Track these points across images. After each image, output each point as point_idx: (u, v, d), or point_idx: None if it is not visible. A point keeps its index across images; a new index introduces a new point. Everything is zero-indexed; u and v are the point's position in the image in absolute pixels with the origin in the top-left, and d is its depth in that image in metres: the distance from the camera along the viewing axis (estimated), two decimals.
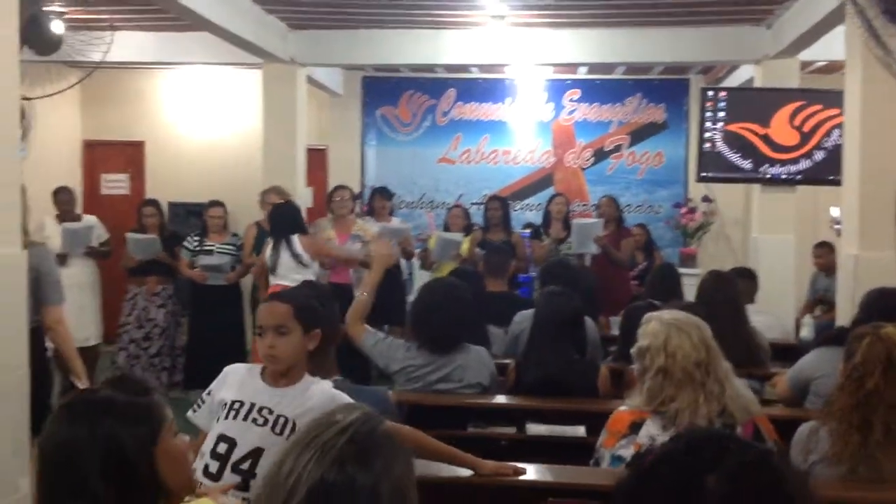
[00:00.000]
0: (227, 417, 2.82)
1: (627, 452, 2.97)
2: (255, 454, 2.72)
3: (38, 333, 4.20)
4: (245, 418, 2.79)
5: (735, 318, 4.60)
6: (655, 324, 3.02)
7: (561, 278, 4.91)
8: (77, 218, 7.84)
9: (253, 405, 2.81)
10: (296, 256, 6.56)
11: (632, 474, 1.34)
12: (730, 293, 4.77)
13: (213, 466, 2.73)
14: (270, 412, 2.79)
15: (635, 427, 2.99)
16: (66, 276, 7.31)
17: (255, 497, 1.35)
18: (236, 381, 2.94)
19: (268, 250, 6.69)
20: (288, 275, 6.42)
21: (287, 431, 2.71)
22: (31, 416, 3.83)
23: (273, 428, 2.76)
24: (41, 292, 4.17)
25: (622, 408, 3.10)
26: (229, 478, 2.71)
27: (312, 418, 1.41)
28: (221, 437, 2.78)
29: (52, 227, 7.64)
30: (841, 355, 3.91)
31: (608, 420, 3.11)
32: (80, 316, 7.46)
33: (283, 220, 6.77)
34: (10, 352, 3.69)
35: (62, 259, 7.41)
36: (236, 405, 2.83)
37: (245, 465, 2.71)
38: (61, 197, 7.85)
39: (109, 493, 1.76)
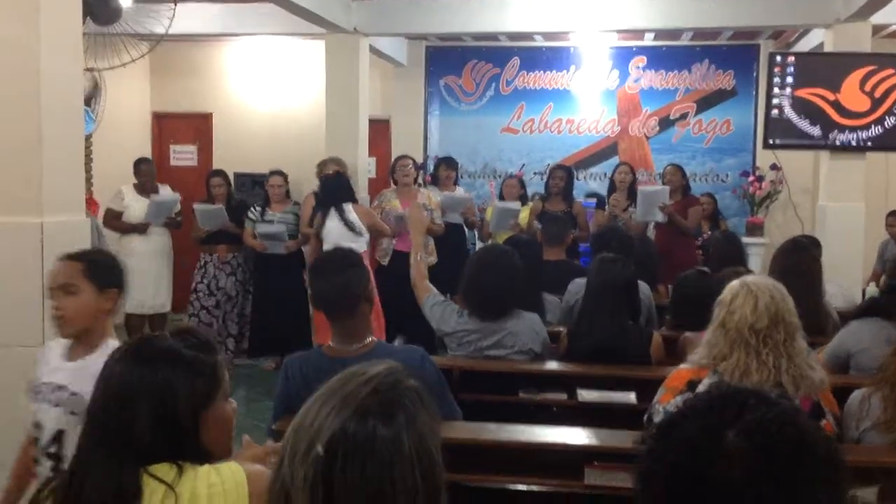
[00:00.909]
0: (34, 401, 2.72)
1: None
2: (59, 437, 2.61)
3: None
4: (45, 400, 2.67)
5: (811, 287, 4.50)
6: (736, 282, 3.04)
7: (612, 244, 4.88)
8: (155, 189, 8.03)
9: (50, 384, 2.69)
10: (348, 224, 6.63)
11: (657, 428, 1.33)
12: (802, 261, 4.66)
13: (35, 452, 2.67)
14: (64, 390, 2.66)
15: (692, 385, 2.98)
16: (146, 244, 7.65)
17: (282, 443, 1.37)
18: (43, 359, 2.83)
19: (317, 219, 6.80)
20: (339, 242, 6.47)
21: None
22: None
23: (68, 407, 2.63)
24: None
25: (683, 365, 3.10)
26: (46, 464, 2.61)
27: (344, 370, 1.42)
28: (35, 423, 2.70)
29: (130, 196, 7.84)
30: (878, 326, 3.85)
31: (668, 377, 3.10)
32: (157, 284, 7.72)
33: (331, 189, 6.84)
34: None
35: (144, 228, 7.64)
36: (39, 387, 2.73)
37: (53, 449, 2.61)
38: (143, 167, 8.03)
39: (152, 441, 1.80)
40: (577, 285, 4.80)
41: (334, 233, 6.65)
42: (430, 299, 4.19)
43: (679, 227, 7.59)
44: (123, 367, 1.86)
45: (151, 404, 1.81)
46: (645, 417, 3.18)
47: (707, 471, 1.25)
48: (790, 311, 2.97)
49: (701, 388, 2.97)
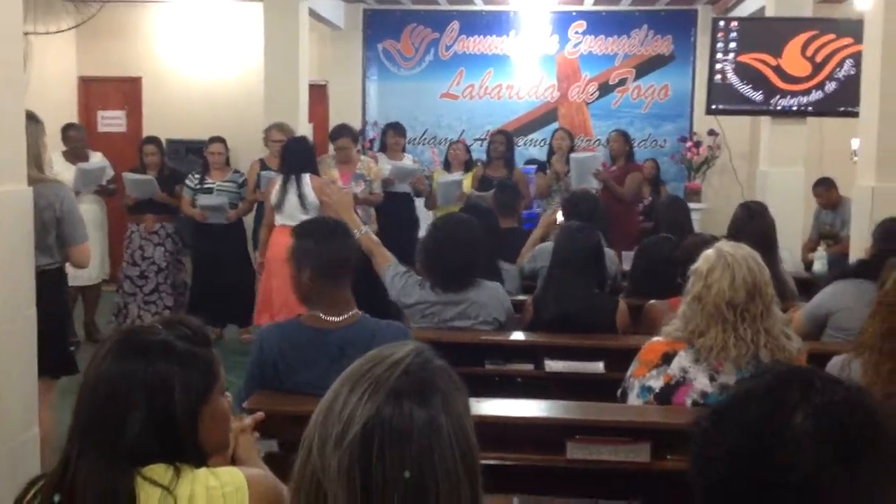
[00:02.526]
0: None
1: (657, 383, 2.92)
2: None
3: (58, 275, 4.13)
4: None
5: (768, 253, 4.49)
6: (712, 251, 2.95)
7: (583, 210, 4.82)
8: (86, 156, 7.72)
9: None
10: (301, 197, 6.35)
11: (712, 411, 1.26)
12: (762, 227, 4.67)
13: None
14: None
15: (667, 358, 2.93)
16: None
17: (308, 431, 1.28)
18: None
19: (276, 188, 6.48)
20: (295, 214, 6.25)
21: None
22: (51, 357, 3.78)
23: None
24: (65, 233, 4.08)
25: (656, 338, 3.04)
26: None
27: (364, 355, 1.33)
28: None
29: (60, 164, 7.51)
30: (861, 288, 3.88)
31: (641, 350, 3.04)
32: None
33: (296, 156, 6.46)
34: (17, 292, 3.61)
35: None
36: None
37: None
38: (72, 134, 7.71)
39: (146, 437, 1.68)
40: (539, 250, 4.76)
41: (289, 204, 6.37)
42: (391, 269, 4.08)
43: (614, 194, 7.57)
44: (112, 361, 1.72)
45: (145, 401, 1.68)
46: (619, 391, 3.14)
47: (772, 456, 1.19)
48: (766, 281, 2.93)
49: (677, 361, 2.93)
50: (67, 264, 4.28)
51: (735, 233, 4.62)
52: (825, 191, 7.99)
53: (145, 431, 1.68)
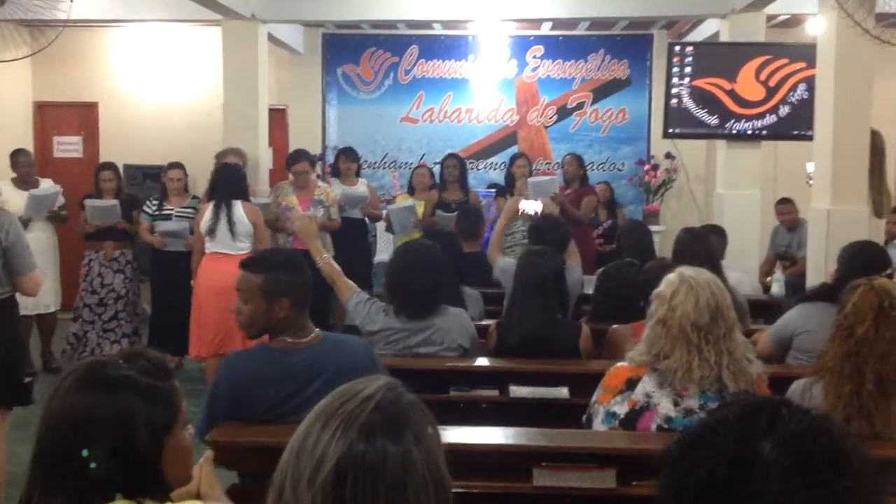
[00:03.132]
0: None
1: (622, 409, 2.93)
2: None
3: (8, 304, 4.06)
4: None
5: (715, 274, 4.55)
6: (674, 275, 2.99)
7: (550, 235, 4.85)
8: (35, 182, 7.60)
9: None
10: (231, 224, 6.29)
11: (679, 441, 1.27)
12: (705, 249, 4.73)
13: None
14: None
15: (631, 384, 2.95)
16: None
17: (280, 469, 1.26)
18: None
19: (207, 214, 6.39)
20: (227, 241, 6.26)
21: None
22: (4, 388, 3.71)
23: None
24: (13, 262, 4.02)
25: (620, 363, 3.06)
26: None
27: (335, 390, 1.32)
28: None
29: (9, 191, 7.39)
30: (825, 311, 3.93)
31: (605, 375, 3.06)
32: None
33: (227, 183, 6.47)
34: None
35: (24, 224, 7.20)
36: None
37: None
38: (21, 159, 7.58)
39: (109, 472, 1.65)
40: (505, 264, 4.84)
41: (220, 231, 6.30)
42: (354, 297, 4.07)
43: (571, 218, 7.62)
44: (75, 395, 1.69)
45: (108, 435, 1.65)
46: (584, 417, 3.15)
47: (742, 487, 1.20)
48: (729, 305, 2.97)
49: (640, 386, 2.95)
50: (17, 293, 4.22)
51: (679, 255, 4.68)
52: (791, 209, 8.10)
53: (109, 467, 1.64)
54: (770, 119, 7.59)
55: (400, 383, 1.35)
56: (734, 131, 7.62)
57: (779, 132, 7.64)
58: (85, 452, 1.64)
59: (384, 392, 1.30)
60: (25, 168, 7.56)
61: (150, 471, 1.69)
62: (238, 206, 6.36)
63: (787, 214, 8.14)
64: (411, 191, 7.99)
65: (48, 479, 1.65)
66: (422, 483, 1.24)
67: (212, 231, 6.33)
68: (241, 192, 6.53)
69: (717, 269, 4.71)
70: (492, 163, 10.37)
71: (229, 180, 6.51)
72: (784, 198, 8.30)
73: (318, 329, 3.11)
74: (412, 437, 1.26)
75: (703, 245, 4.81)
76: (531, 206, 6.34)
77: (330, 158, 9.74)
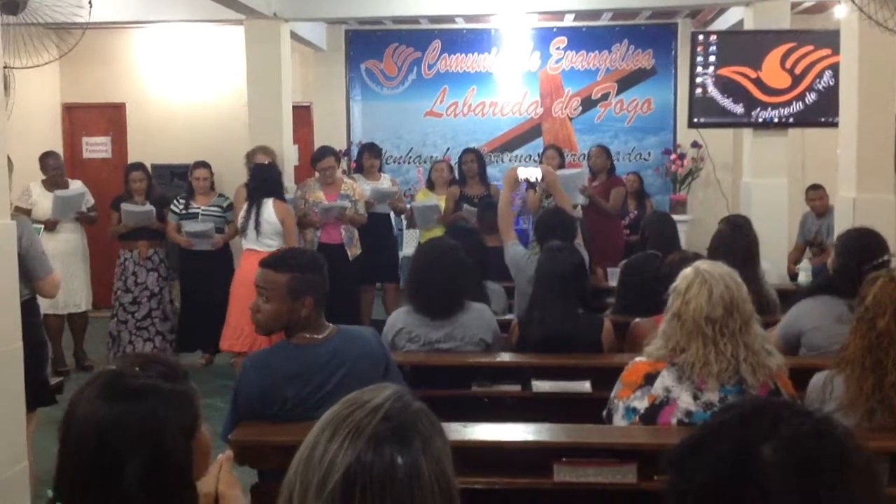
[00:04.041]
0: None
1: (641, 404, 2.93)
2: None
3: (29, 307, 4.12)
4: None
5: (750, 267, 4.50)
6: (690, 269, 2.99)
7: (556, 230, 4.82)
8: (65, 184, 7.68)
9: None
10: (258, 222, 6.43)
11: (682, 446, 1.28)
12: (747, 242, 4.68)
13: None
14: None
15: (650, 378, 2.95)
16: (55, 243, 7.30)
17: (288, 479, 1.28)
18: None
19: (242, 211, 6.55)
20: (257, 239, 6.40)
21: None
22: (28, 389, 3.76)
23: None
24: (30, 267, 4.08)
25: (638, 358, 3.06)
26: None
27: (342, 399, 1.33)
28: None
29: (38, 193, 7.49)
30: (829, 304, 3.90)
31: (624, 371, 3.06)
32: (69, 282, 7.36)
33: (263, 182, 6.60)
34: (2, 326, 3.61)
35: (52, 225, 7.30)
36: None
37: None
38: (50, 162, 7.66)
39: (144, 484, 1.63)
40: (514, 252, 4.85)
41: (251, 229, 6.46)
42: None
43: (600, 210, 7.61)
44: (99, 408, 1.66)
45: (141, 447, 1.64)
46: (604, 413, 3.15)
47: (743, 489, 1.20)
48: (744, 298, 2.95)
49: (659, 380, 2.95)
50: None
51: (717, 248, 4.64)
52: (822, 195, 8.00)
53: (144, 479, 1.63)
54: (796, 106, 7.52)
55: (408, 392, 1.35)
56: (760, 119, 7.56)
57: (805, 119, 7.58)
58: (119, 467, 1.63)
59: (392, 402, 1.30)
60: (55, 170, 7.64)
61: (183, 478, 1.70)
62: (268, 205, 6.48)
63: (819, 200, 8.05)
64: (430, 185, 8.00)
65: (79, 497, 1.65)
66: (429, 492, 1.24)
67: (244, 230, 6.53)
68: (273, 190, 6.63)
69: (755, 263, 4.68)
70: (517, 156, 10.36)
71: (261, 179, 6.64)
72: (814, 184, 8.22)
73: (331, 324, 3.16)
74: (420, 447, 1.26)
75: (742, 238, 4.74)
76: (530, 173, 6.31)
77: (355, 154, 9.77)
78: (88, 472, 1.64)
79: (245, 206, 6.57)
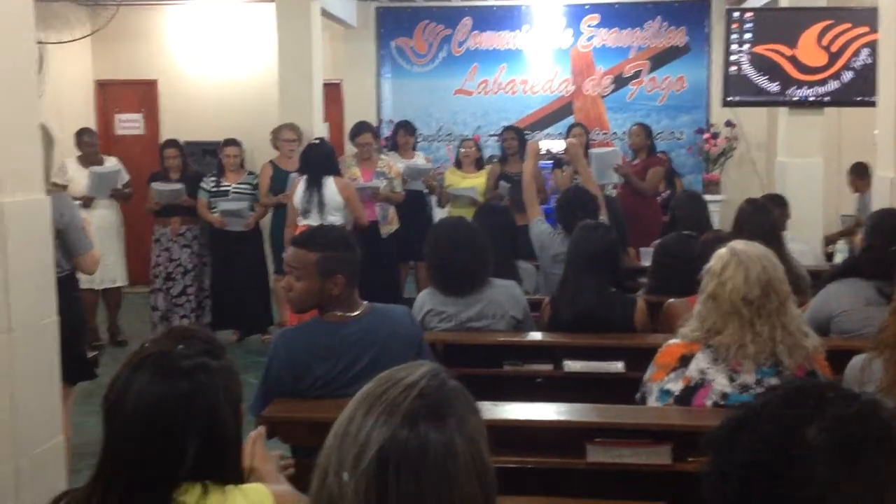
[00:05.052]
0: None
1: (676, 386, 2.91)
2: None
3: (68, 282, 4.15)
4: None
5: (773, 247, 4.44)
6: (725, 250, 2.94)
7: (577, 212, 4.77)
8: (100, 160, 7.74)
9: None
10: (321, 199, 6.43)
11: (725, 426, 1.26)
12: (768, 221, 4.62)
13: None
14: None
15: (685, 360, 2.92)
16: (91, 219, 7.26)
17: (323, 454, 1.28)
18: None
19: (299, 190, 6.54)
20: (317, 219, 6.36)
21: None
22: (68, 364, 3.80)
23: None
24: (70, 242, 4.11)
25: (673, 340, 3.03)
26: None
27: (377, 376, 1.33)
28: None
29: (74, 170, 7.56)
30: (857, 286, 3.83)
31: (657, 353, 3.03)
32: (105, 258, 7.40)
33: (319, 159, 6.56)
34: (38, 301, 3.63)
35: (88, 201, 7.36)
36: None
37: None
38: (85, 139, 7.73)
39: (202, 458, 1.66)
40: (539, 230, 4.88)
41: (313, 207, 6.46)
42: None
43: (635, 189, 7.55)
44: (152, 386, 1.67)
45: (197, 422, 1.66)
46: (637, 396, 3.13)
47: (787, 471, 1.18)
48: (781, 279, 2.91)
49: (694, 362, 2.92)
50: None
51: (740, 227, 4.58)
52: (856, 178, 7.89)
53: (201, 455, 1.65)
54: (833, 85, 7.40)
55: (443, 370, 1.34)
56: (796, 98, 7.45)
57: (842, 98, 7.46)
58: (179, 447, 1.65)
59: (428, 379, 1.30)
60: (90, 147, 7.70)
61: (235, 452, 1.71)
62: (330, 184, 6.49)
63: (855, 184, 7.94)
64: (458, 164, 7.98)
65: (133, 476, 1.66)
66: (464, 471, 1.24)
67: (306, 211, 6.49)
68: (332, 167, 6.64)
69: (778, 243, 4.62)
70: (547, 134, 10.29)
71: (319, 157, 6.60)
72: (857, 162, 8.10)
73: (365, 301, 3.16)
74: (455, 425, 1.26)
75: (765, 217, 4.69)
76: (553, 145, 6.26)
77: (385, 132, 9.77)
78: (143, 453, 1.66)
79: (301, 187, 6.52)
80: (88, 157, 7.64)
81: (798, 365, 2.85)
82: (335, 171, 6.61)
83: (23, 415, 3.42)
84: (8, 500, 3.27)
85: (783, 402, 1.23)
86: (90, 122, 9.84)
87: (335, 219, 6.28)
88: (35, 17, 3.67)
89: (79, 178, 7.47)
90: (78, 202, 6.93)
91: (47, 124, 3.95)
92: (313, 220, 6.30)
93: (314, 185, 6.46)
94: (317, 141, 6.92)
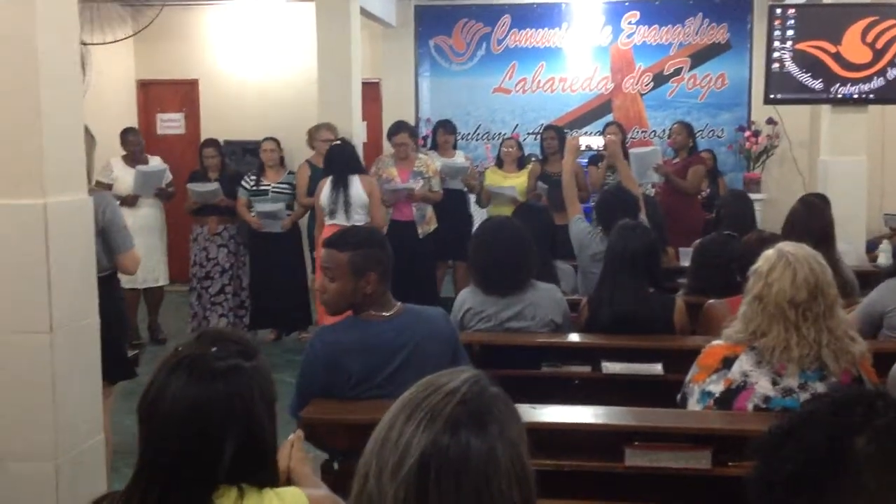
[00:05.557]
0: None
1: (717, 388, 2.87)
2: None
3: (110, 281, 4.20)
4: None
5: (826, 249, 4.37)
6: (773, 251, 2.90)
7: (617, 213, 4.71)
8: (145, 160, 7.82)
9: None
10: (347, 199, 6.50)
11: (771, 434, 1.24)
12: (822, 223, 4.56)
13: None
14: None
15: (728, 362, 2.88)
16: (135, 219, 7.42)
17: (364, 459, 1.28)
18: None
19: (325, 190, 6.59)
20: (343, 218, 6.41)
21: None
22: (108, 363, 3.84)
23: None
24: (112, 241, 4.15)
25: (716, 341, 2.99)
26: None
27: (418, 381, 1.32)
28: None
29: (120, 169, 7.64)
30: None
31: (700, 354, 3.00)
32: (148, 257, 7.50)
33: (340, 161, 6.67)
34: (79, 301, 3.67)
35: (133, 200, 7.44)
36: None
37: None
38: (130, 138, 7.81)
39: (239, 459, 1.67)
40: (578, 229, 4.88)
41: (339, 207, 6.55)
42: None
43: (676, 188, 7.48)
44: (188, 389, 1.68)
45: (234, 424, 1.67)
46: (678, 397, 3.09)
47: (834, 480, 1.16)
48: (829, 282, 2.86)
49: (737, 364, 2.88)
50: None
51: (792, 227, 4.52)
52: None
53: (237, 457, 1.66)
54: (877, 82, 7.27)
55: (484, 376, 1.34)
56: (839, 95, 7.33)
57: (887, 96, 7.33)
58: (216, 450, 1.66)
59: (469, 385, 1.29)
60: (135, 146, 7.78)
61: (270, 453, 1.72)
62: (355, 182, 6.58)
63: None
64: (499, 163, 7.96)
65: (171, 478, 1.67)
66: (505, 478, 1.23)
67: (332, 211, 6.58)
68: (355, 166, 6.71)
69: (829, 245, 4.54)
70: (586, 132, 10.21)
71: (341, 158, 6.69)
72: None
73: (399, 302, 3.16)
74: (496, 431, 1.25)
75: (818, 218, 4.62)
76: (593, 142, 6.22)
77: (423, 131, 9.77)
78: (179, 454, 1.67)
79: (328, 187, 6.60)
80: (134, 157, 7.72)
81: (843, 370, 2.80)
82: (360, 170, 6.66)
83: (63, 414, 3.46)
84: (48, 499, 3.31)
85: (831, 411, 1.21)
86: (132, 121, 9.95)
87: (360, 217, 6.32)
88: (81, 19, 3.72)
89: (124, 177, 7.55)
90: (120, 201, 7.04)
91: (87, 125, 3.98)
92: (339, 220, 6.37)
93: (340, 185, 6.55)
94: (338, 142, 6.96)
